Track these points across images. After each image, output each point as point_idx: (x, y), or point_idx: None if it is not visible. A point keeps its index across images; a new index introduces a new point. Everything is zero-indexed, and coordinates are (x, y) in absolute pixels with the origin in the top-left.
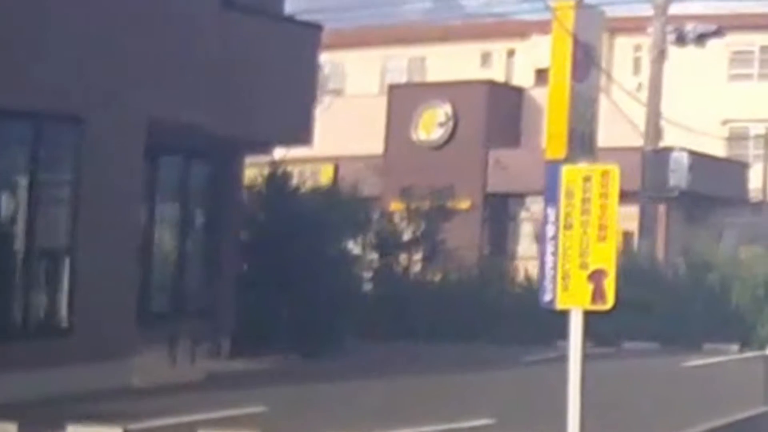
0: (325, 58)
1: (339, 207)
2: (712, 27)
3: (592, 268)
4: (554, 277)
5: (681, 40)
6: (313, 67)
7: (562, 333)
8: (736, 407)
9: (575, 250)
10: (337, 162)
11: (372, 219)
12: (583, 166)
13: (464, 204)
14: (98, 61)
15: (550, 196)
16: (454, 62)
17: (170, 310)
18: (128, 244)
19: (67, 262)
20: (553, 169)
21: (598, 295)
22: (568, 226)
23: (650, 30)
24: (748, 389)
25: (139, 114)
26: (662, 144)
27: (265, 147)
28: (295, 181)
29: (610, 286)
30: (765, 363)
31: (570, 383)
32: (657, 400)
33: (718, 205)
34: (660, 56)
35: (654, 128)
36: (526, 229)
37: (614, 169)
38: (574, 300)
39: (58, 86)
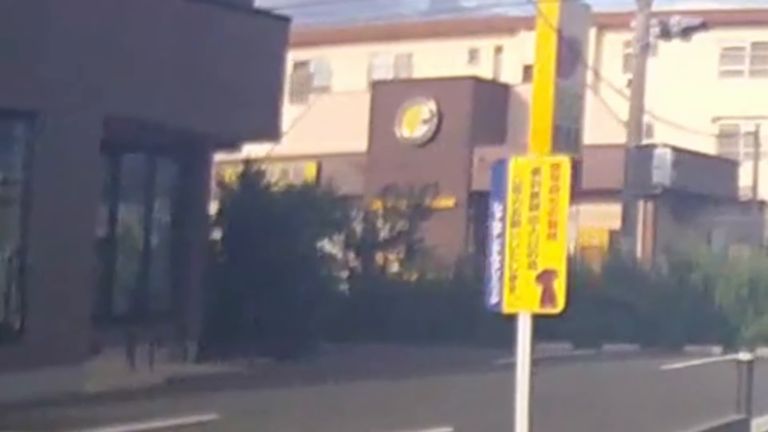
0: (310, 55)
1: (314, 205)
2: (698, 20)
3: (541, 268)
4: (501, 278)
5: (666, 34)
6: (281, 62)
7: (541, 335)
8: (705, 415)
9: (523, 248)
10: (320, 160)
11: (349, 217)
12: (531, 158)
13: (449, 202)
14: (53, 55)
15: (496, 190)
16: (441, 59)
17: (133, 312)
18: (84, 243)
19: (17, 262)
20: (500, 161)
21: (547, 297)
22: (515, 223)
23: (634, 24)
24: (723, 395)
25: (95, 109)
26: (652, 141)
27: (233, 143)
28: (272, 179)
29: (560, 287)
30: (738, 368)
31: (518, 392)
32: (624, 406)
33: (707, 203)
34: (643, 50)
35: (637, 124)
36: None
37: (565, 161)
38: (521, 303)
39: (9, 81)
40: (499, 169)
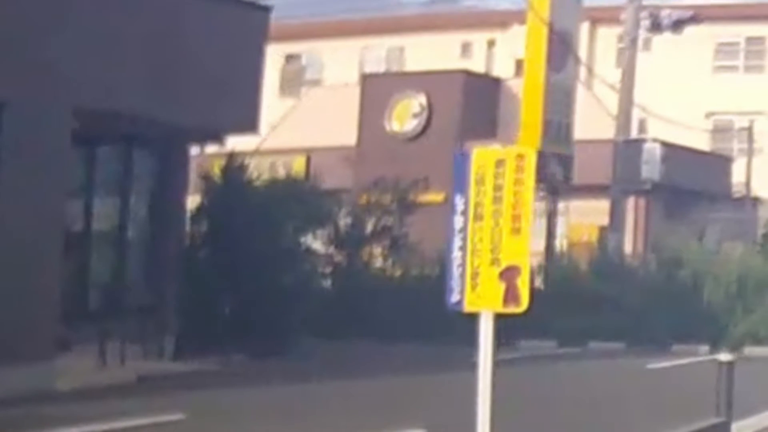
0: (302, 48)
1: (298, 199)
2: (689, 13)
3: (504, 264)
4: (462, 276)
5: (656, 27)
6: (261, 52)
7: (525, 333)
8: (685, 417)
9: (486, 244)
10: (309, 153)
11: (333, 212)
12: (495, 148)
13: (438, 197)
14: (20, 44)
15: (459, 182)
16: (433, 53)
17: (107, 308)
18: (53, 237)
19: None
20: (462, 152)
21: (510, 295)
22: (477, 217)
23: (623, 17)
24: (707, 396)
25: (65, 100)
26: (645, 137)
27: (212, 136)
28: (261, 172)
29: (524, 285)
30: (719, 369)
31: (479, 394)
32: (603, 406)
33: (700, 200)
34: (633, 44)
35: (626, 118)
36: None
37: (530, 152)
38: (483, 302)
39: None
40: (461, 160)
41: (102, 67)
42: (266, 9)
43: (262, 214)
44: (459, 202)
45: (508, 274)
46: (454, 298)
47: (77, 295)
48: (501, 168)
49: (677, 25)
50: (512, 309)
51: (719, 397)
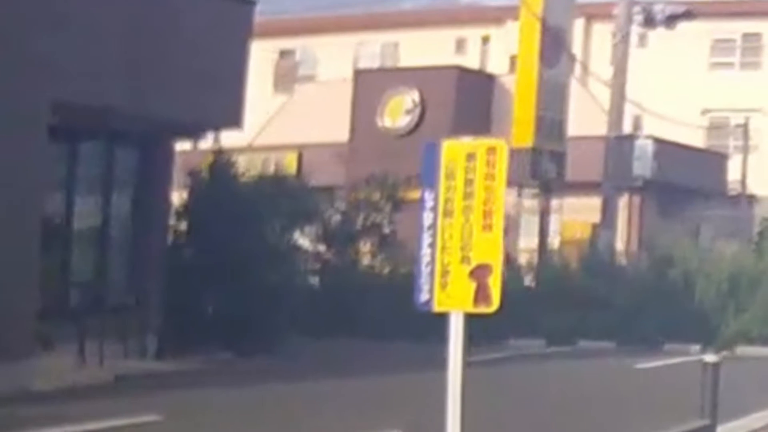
0: (296, 43)
1: (285, 196)
2: (682, 8)
3: (474, 263)
4: (431, 274)
5: (650, 22)
6: (245, 47)
7: (515, 332)
8: (669, 419)
9: (456, 241)
10: (301, 150)
11: (321, 209)
12: (466, 141)
13: None
14: None
15: (428, 176)
16: (427, 49)
17: (90, 306)
18: (30, 233)
19: None
20: (432, 145)
21: (480, 295)
22: (447, 213)
23: (616, 12)
24: (694, 397)
25: (42, 94)
26: (640, 133)
27: (195, 131)
28: (252, 169)
29: (495, 284)
30: (703, 370)
31: (449, 397)
32: (587, 407)
33: (695, 197)
34: (625, 39)
35: (618, 114)
36: None
37: (502, 145)
38: (453, 301)
39: None
40: (430, 153)
41: (81, 61)
42: (251, 3)
43: (248, 210)
44: (428, 197)
45: (479, 273)
46: (423, 297)
47: (57, 293)
48: (472, 162)
49: (671, 21)
50: (483, 309)
51: (704, 399)
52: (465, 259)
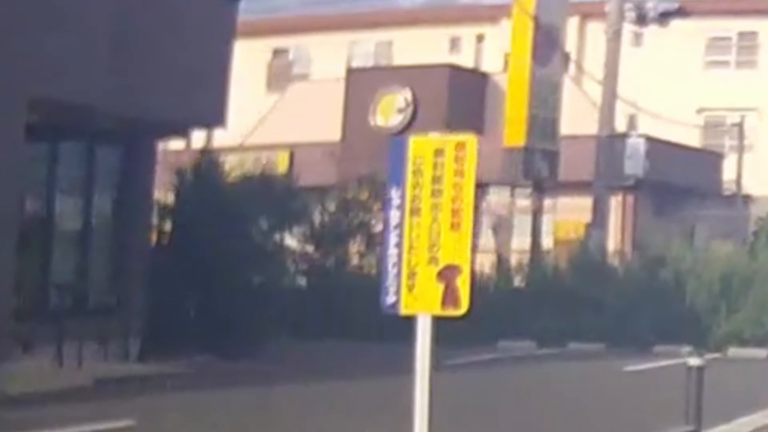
0: (290, 42)
1: (272, 196)
2: (675, 5)
3: (442, 263)
4: (398, 275)
5: (642, 19)
6: (228, 44)
7: (505, 333)
8: (652, 425)
9: (423, 241)
10: (293, 149)
11: (309, 209)
12: (434, 136)
13: None
14: None
15: (394, 173)
16: (422, 47)
17: (68, 308)
18: (7, 233)
19: None
20: (399, 141)
21: (449, 297)
22: (414, 212)
23: (608, 9)
24: (680, 402)
25: (18, 91)
26: (636, 132)
27: (177, 130)
28: (239, 168)
29: (464, 285)
30: (687, 375)
31: (416, 402)
32: (569, 412)
33: (690, 197)
34: (616, 36)
35: (610, 112)
36: (488, 221)
37: (471, 140)
38: (420, 304)
39: None
40: (397, 148)
41: (59, 58)
42: (235, 0)
43: (233, 210)
44: (395, 195)
45: (447, 274)
46: (390, 299)
47: (37, 294)
48: (440, 158)
49: (663, 18)
50: (451, 312)
51: (689, 404)
52: (433, 260)
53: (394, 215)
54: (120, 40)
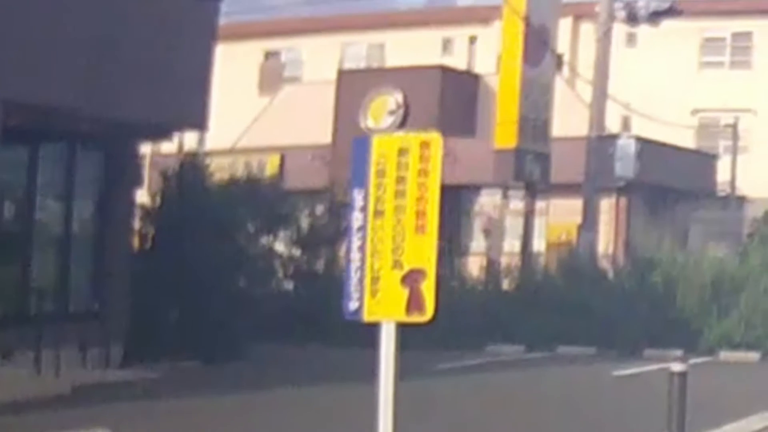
0: (282, 45)
1: (257, 199)
2: (665, 4)
3: (407, 268)
4: (361, 280)
5: (633, 18)
6: (209, 45)
7: (494, 337)
8: None
9: (387, 244)
10: (284, 152)
11: (295, 212)
12: (398, 135)
13: None
14: None
15: (357, 173)
16: (414, 49)
17: (48, 313)
18: None
19: None
20: (361, 140)
21: (414, 302)
22: (378, 214)
23: (597, 8)
24: (664, 409)
25: None
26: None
27: (158, 132)
28: (229, 171)
29: (429, 290)
30: (669, 381)
31: (380, 412)
32: (546, 419)
33: (683, 198)
34: (606, 35)
35: (599, 112)
36: (479, 223)
37: (436, 139)
38: (384, 310)
39: None
40: (360, 148)
41: (35, 59)
42: (215, 1)
43: (218, 214)
44: (358, 196)
45: (412, 279)
46: (352, 305)
47: (17, 300)
48: (404, 157)
49: (654, 17)
50: (416, 318)
51: (671, 411)
52: (397, 264)
53: (356, 218)
54: (98, 42)
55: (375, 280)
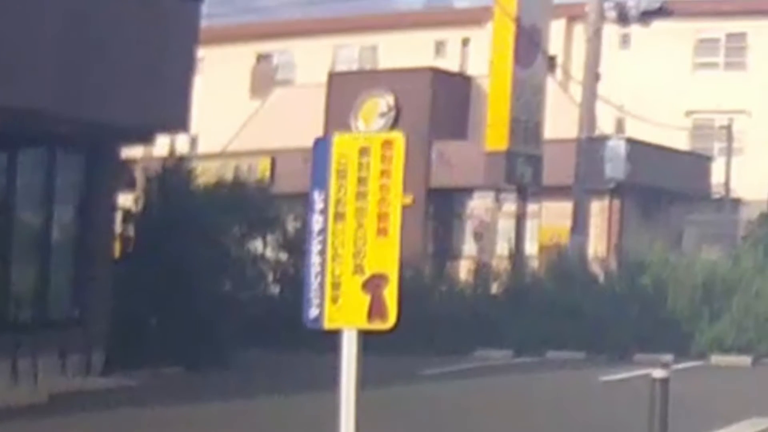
0: (274, 47)
1: (243, 203)
2: (657, 4)
3: (368, 273)
4: (321, 286)
5: (623, 18)
6: (189, 46)
7: (483, 341)
8: None
9: (348, 248)
10: (274, 155)
11: (284, 216)
12: (359, 134)
13: (406, 199)
14: None
15: (317, 174)
16: (407, 51)
17: (27, 320)
18: None
19: None
20: (322, 140)
21: (375, 309)
22: (339, 217)
23: (587, 8)
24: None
25: None
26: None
27: (139, 135)
28: (217, 175)
29: (391, 296)
30: (651, 387)
31: (341, 423)
32: (527, 427)
33: (676, 200)
34: (596, 35)
35: (589, 113)
36: (470, 226)
37: (398, 137)
38: (345, 317)
39: None
40: (320, 148)
41: (12, 61)
42: (197, 1)
43: (202, 218)
44: (318, 198)
45: (374, 284)
46: (312, 313)
47: None
48: (366, 157)
49: (645, 17)
50: (378, 325)
51: (652, 419)
52: (358, 269)
53: (316, 220)
54: (75, 43)
55: (336, 285)
